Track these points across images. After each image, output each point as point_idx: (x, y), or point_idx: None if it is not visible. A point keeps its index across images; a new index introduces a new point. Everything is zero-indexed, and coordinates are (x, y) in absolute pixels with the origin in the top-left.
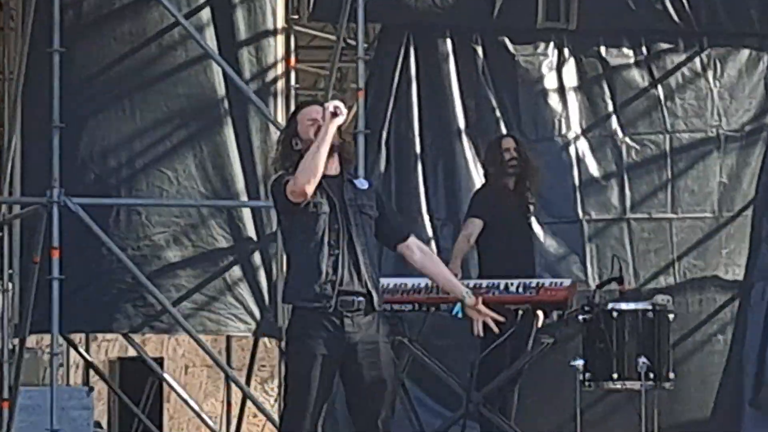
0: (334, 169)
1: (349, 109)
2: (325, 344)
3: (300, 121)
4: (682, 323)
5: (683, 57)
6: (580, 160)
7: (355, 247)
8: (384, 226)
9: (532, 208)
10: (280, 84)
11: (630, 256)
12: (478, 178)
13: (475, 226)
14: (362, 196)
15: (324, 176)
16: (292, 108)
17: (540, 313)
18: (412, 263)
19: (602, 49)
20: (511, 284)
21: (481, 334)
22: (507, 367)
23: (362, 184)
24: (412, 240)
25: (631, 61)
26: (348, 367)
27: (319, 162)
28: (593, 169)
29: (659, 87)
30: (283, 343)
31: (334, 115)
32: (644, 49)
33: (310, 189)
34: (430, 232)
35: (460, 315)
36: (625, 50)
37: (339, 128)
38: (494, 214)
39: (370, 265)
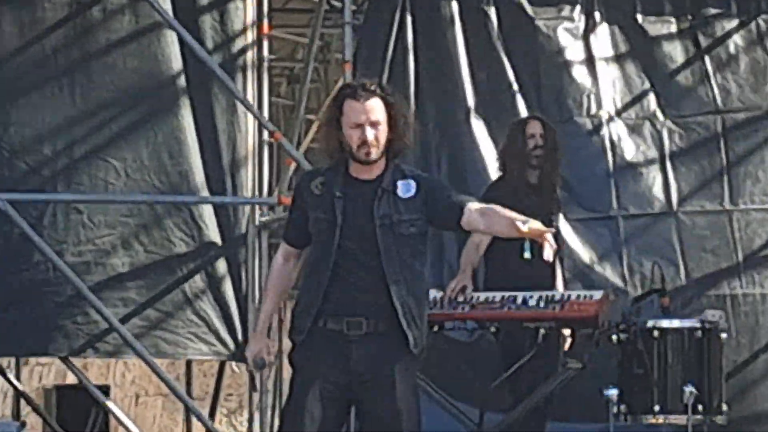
0: (374, 171)
1: (335, 83)
2: (327, 370)
3: (345, 117)
4: (744, 343)
5: (735, 23)
6: (614, 145)
7: (386, 278)
8: (438, 217)
9: (557, 209)
10: (250, 55)
11: (681, 258)
12: (490, 169)
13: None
14: (401, 209)
15: (354, 179)
16: (265, 85)
17: (566, 332)
18: (482, 231)
19: (639, 15)
20: (531, 298)
21: (550, 258)
22: (525, 399)
23: (408, 189)
24: (468, 208)
25: (674, 29)
26: (359, 402)
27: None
28: (630, 155)
29: (707, 59)
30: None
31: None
32: (689, 15)
33: None
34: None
35: (528, 254)
36: (667, 16)
37: (401, 117)
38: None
39: (408, 296)
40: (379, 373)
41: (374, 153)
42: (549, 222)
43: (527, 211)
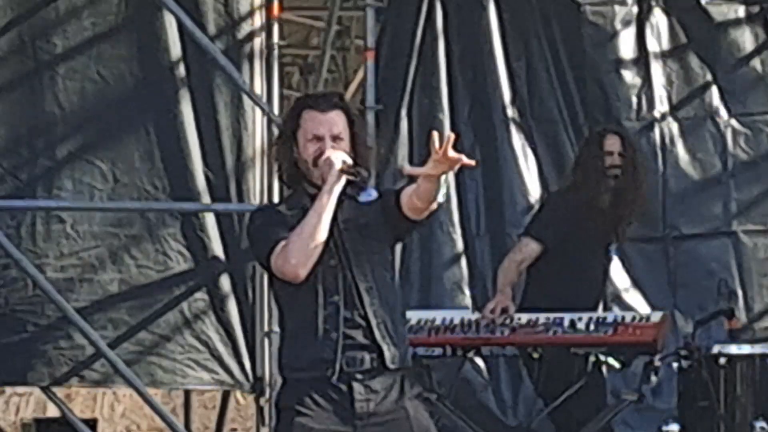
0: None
1: (354, 74)
2: (327, 419)
3: (302, 129)
4: None
5: None
6: (666, 150)
7: (358, 285)
8: (386, 209)
9: (619, 240)
10: (258, 41)
11: (738, 282)
12: (528, 175)
13: (532, 251)
14: (366, 213)
15: (315, 195)
16: (275, 75)
17: (617, 360)
18: (415, 202)
19: None
20: (579, 320)
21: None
22: None
23: (369, 195)
24: (404, 189)
25: (741, 14)
26: None
27: (318, 237)
28: (684, 162)
29: None
30: (262, 399)
31: (342, 172)
32: None
33: (304, 273)
34: (460, 246)
35: (442, 198)
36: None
37: (351, 121)
38: (567, 240)
39: (381, 307)
40: (387, 408)
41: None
42: (605, 253)
43: (581, 234)
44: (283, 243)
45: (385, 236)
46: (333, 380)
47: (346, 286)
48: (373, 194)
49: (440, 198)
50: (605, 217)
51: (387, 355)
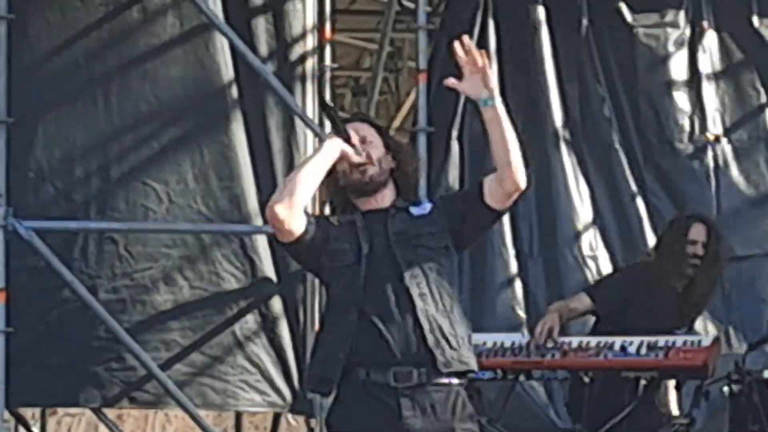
0: (386, 200)
1: (406, 96)
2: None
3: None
4: None
5: None
6: (719, 172)
7: (410, 293)
8: (464, 209)
9: (687, 324)
10: (310, 63)
11: None
12: (578, 198)
13: (583, 306)
14: (420, 224)
15: (367, 211)
16: (327, 97)
17: (671, 383)
18: (500, 175)
19: (755, 18)
20: (630, 344)
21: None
22: None
23: (422, 209)
24: (485, 179)
25: None
26: None
27: (300, 182)
28: (739, 184)
29: None
30: (313, 421)
31: (348, 142)
32: None
33: (285, 215)
34: (514, 268)
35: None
36: None
37: (398, 145)
38: (626, 317)
39: (437, 313)
40: (436, 428)
41: (371, 170)
42: (667, 332)
43: (649, 314)
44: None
45: (442, 244)
46: (390, 382)
47: (396, 294)
48: (427, 207)
49: (491, 102)
50: (677, 300)
51: (440, 359)
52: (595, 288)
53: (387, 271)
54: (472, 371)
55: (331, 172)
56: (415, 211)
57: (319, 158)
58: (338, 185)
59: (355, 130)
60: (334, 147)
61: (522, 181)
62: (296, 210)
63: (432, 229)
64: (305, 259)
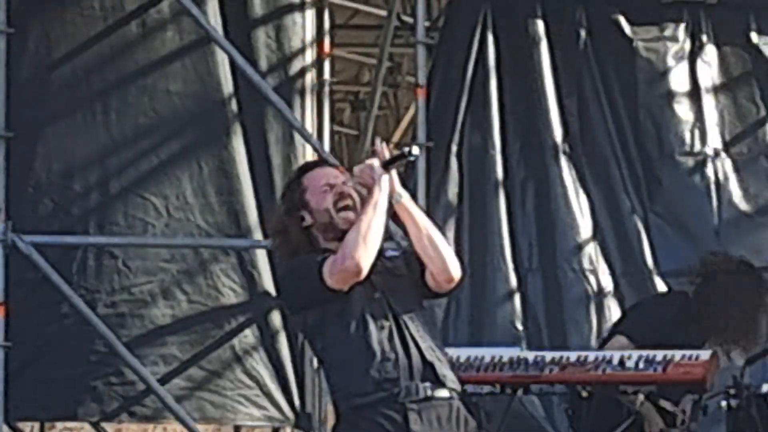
0: None
1: (405, 111)
2: None
3: (309, 190)
4: None
5: None
6: (720, 187)
7: (401, 315)
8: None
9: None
10: (309, 78)
11: None
12: (579, 211)
13: (622, 347)
14: (394, 260)
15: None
16: (326, 112)
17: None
18: (433, 277)
19: (753, 34)
20: (629, 358)
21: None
22: None
23: (393, 251)
24: None
25: None
26: None
27: (375, 228)
28: (738, 197)
29: None
30: None
31: (387, 164)
32: None
33: (366, 265)
34: (514, 282)
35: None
36: None
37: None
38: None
39: (427, 333)
40: None
41: (354, 209)
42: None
43: (671, 340)
44: (330, 255)
45: (416, 278)
46: (400, 398)
47: (391, 315)
48: (397, 251)
49: (400, 199)
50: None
51: (440, 373)
52: (632, 327)
53: (378, 293)
54: (464, 391)
55: (296, 219)
56: (386, 254)
57: (382, 199)
58: (303, 227)
59: (336, 172)
60: (386, 181)
61: (455, 272)
62: (372, 257)
63: (399, 263)
64: (332, 297)
